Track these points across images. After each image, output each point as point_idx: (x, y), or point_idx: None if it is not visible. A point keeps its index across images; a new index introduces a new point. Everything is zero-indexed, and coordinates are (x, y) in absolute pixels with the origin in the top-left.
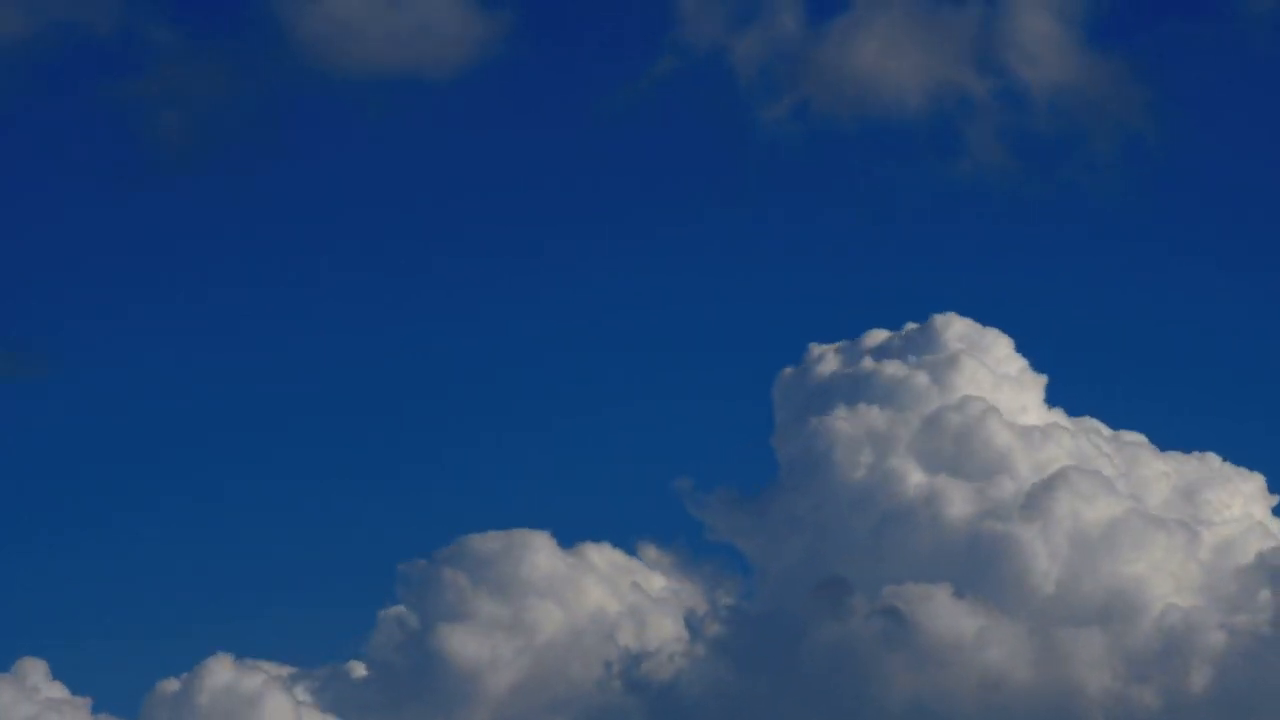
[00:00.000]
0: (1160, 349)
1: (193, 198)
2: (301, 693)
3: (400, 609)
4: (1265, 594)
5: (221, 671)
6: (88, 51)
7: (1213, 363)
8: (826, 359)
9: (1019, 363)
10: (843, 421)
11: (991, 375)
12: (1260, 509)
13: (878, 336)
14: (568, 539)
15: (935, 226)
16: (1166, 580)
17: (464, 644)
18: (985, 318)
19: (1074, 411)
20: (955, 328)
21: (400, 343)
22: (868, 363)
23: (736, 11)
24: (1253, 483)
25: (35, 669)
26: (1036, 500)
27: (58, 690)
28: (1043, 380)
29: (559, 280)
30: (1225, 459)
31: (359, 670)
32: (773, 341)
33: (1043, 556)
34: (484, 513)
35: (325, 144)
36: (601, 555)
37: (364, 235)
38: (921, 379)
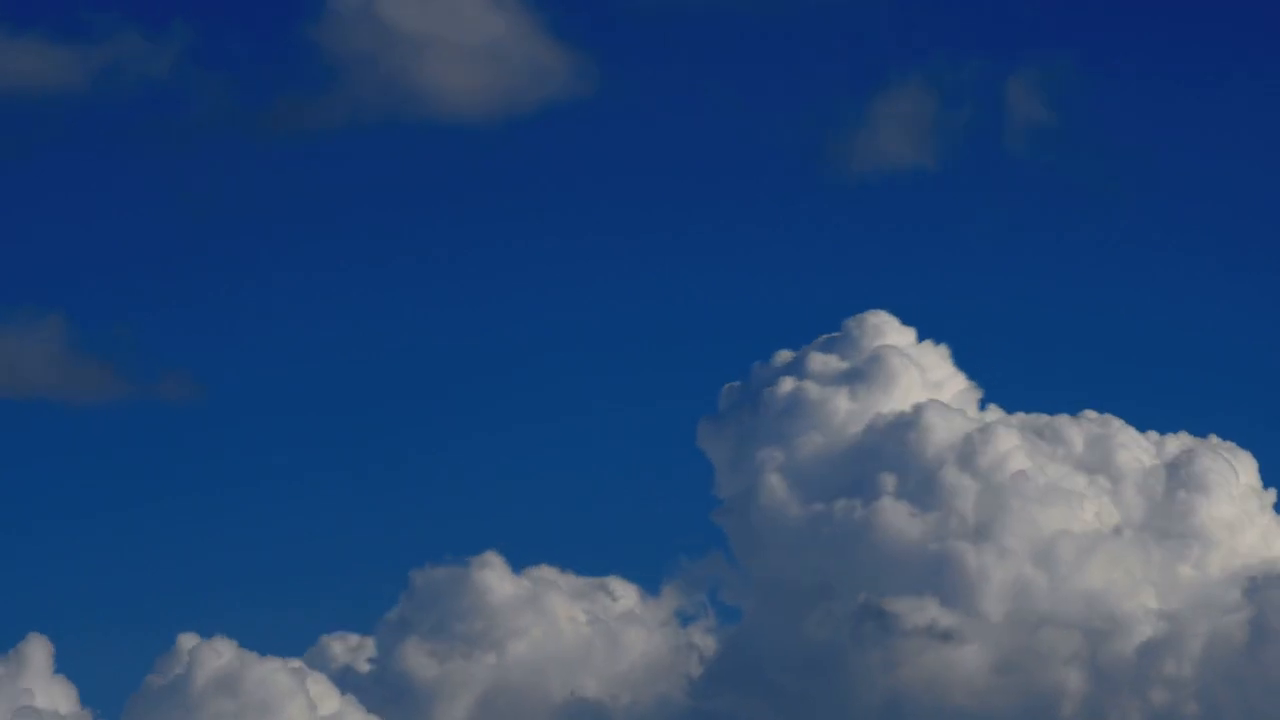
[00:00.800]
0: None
1: (233, 236)
2: None
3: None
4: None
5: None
6: (142, 98)
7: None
8: (740, 393)
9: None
10: (776, 456)
11: (922, 377)
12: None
13: (785, 357)
14: (529, 562)
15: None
16: (1143, 587)
17: (429, 668)
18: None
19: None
20: (873, 329)
21: (398, 344)
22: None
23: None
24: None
25: (39, 648)
26: (994, 512)
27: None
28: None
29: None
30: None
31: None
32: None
33: (1009, 570)
34: (448, 536)
35: (376, 184)
36: (568, 580)
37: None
38: (843, 393)
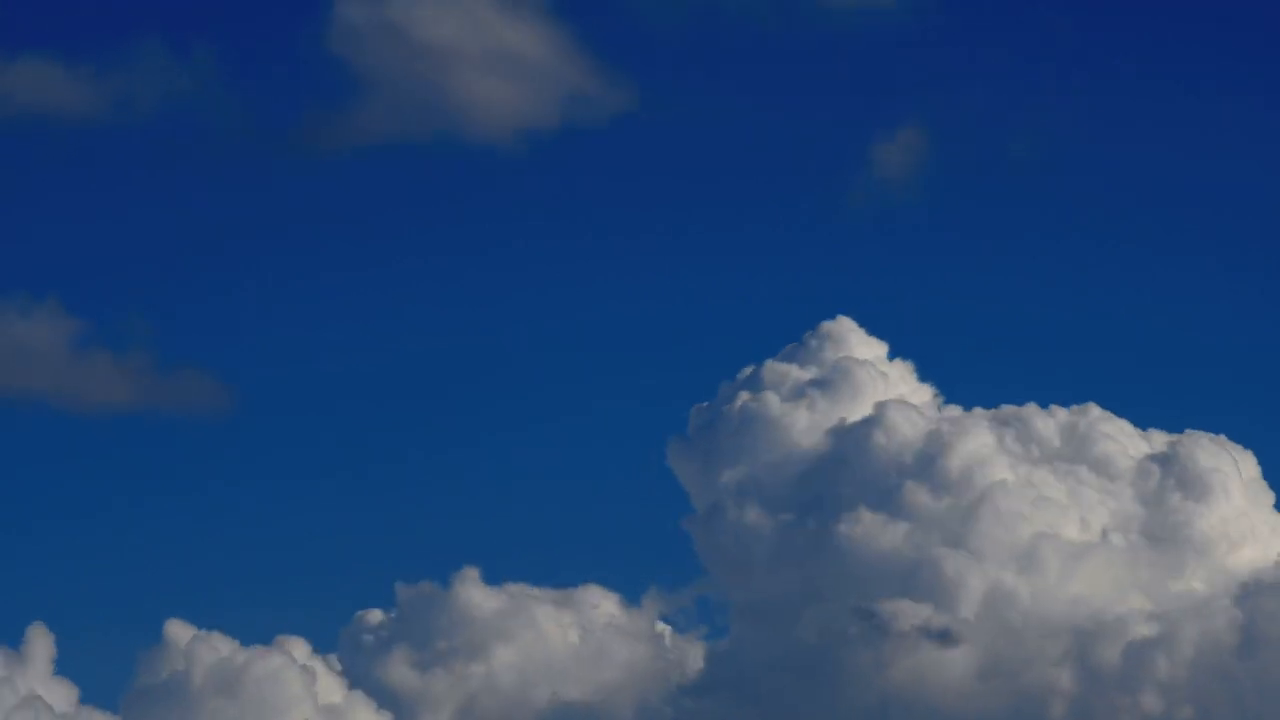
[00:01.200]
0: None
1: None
2: None
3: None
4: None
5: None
6: (165, 115)
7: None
8: (709, 413)
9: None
10: (744, 472)
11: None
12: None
13: (748, 372)
14: (511, 577)
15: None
16: (1132, 591)
17: (411, 678)
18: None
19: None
20: (835, 337)
21: (388, 357)
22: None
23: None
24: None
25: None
26: (976, 513)
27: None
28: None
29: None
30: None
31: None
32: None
33: (992, 573)
34: (425, 554)
35: (386, 200)
36: (546, 593)
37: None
38: (807, 404)
